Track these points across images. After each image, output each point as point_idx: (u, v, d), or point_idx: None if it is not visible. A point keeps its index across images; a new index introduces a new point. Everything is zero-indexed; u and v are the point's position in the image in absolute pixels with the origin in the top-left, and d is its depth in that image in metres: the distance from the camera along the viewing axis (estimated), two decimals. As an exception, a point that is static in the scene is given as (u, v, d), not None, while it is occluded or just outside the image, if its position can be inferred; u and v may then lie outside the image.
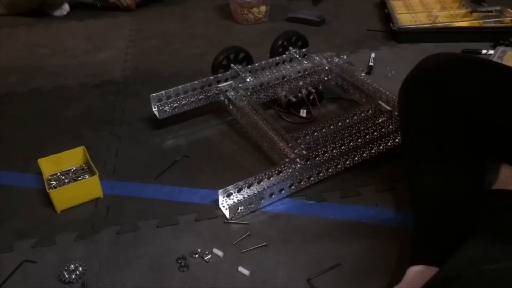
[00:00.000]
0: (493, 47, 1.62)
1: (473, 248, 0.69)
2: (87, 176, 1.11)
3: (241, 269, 0.88)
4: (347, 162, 1.08)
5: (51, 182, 1.10)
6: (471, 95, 0.82)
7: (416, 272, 0.77)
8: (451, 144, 0.83)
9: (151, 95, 1.26)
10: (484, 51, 1.60)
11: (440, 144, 0.84)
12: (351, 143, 1.09)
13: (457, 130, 0.83)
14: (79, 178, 1.10)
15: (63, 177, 1.11)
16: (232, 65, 1.38)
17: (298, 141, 1.10)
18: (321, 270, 0.86)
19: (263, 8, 1.96)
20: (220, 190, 0.98)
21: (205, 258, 0.90)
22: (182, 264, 0.89)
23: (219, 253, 0.91)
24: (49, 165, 1.10)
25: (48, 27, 2.06)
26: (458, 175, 0.82)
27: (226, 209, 0.99)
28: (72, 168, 1.14)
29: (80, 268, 0.88)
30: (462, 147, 0.82)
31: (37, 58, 1.77)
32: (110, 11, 2.16)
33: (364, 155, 1.10)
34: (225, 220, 0.98)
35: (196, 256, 0.91)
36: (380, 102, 1.22)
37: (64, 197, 1.03)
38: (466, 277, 0.60)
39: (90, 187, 1.05)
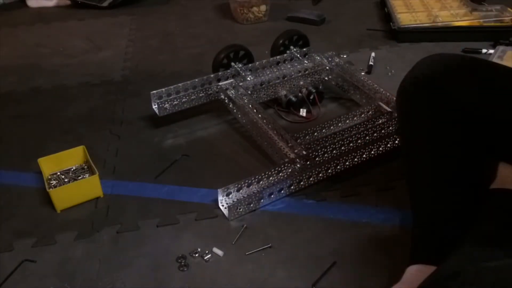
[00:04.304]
0: (493, 47, 1.62)
1: (471, 246, 0.69)
2: (87, 175, 1.11)
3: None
4: (347, 163, 1.08)
5: (51, 182, 1.10)
6: (468, 95, 0.82)
7: (415, 271, 0.77)
8: (449, 145, 0.83)
9: (151, 92, 1.25)
10: (484, 51, 1.60)
11: (438, 145, 0.84)
12: (350, 144, 1.09)
13: (455, 131, 0.82)
14: (79, 178, 1.10)
15: (63, 177, 1.11)
16: (232, 63, 1.38)
17: (298, 141, 1.10)
18: (321, 273, 0.86)
19: (263, 8, 1.96)
20: (220, 189, 0.98)
21: (205, 258, 0.90)
22: (182, 263, 0.89)
23: (219, 252, 0.91)
24: (49, 165, 1.10)
25: (47, 26, 2.06)
26: (456, 176, 0.82)
27: (226, 208, 0.99)
28: (72, 168, 1.14)
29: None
30: (460, 147, 0.82)
31: (37, 57, 1.77)
32: (109, 10, 2.17)
33: (364, 156, 1.10)
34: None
35: (196, 255, 0.91)
36: (380, 103, 1.22)
37: (64, 197, 1.03)
38: (465, 274, 0.60)
39: (90, 187, 1.05)
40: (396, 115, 1.16)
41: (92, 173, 1.09)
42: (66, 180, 1.10)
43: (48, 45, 1.87)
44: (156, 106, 1.25)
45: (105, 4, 2.19)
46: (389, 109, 1.19)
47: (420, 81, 0.86)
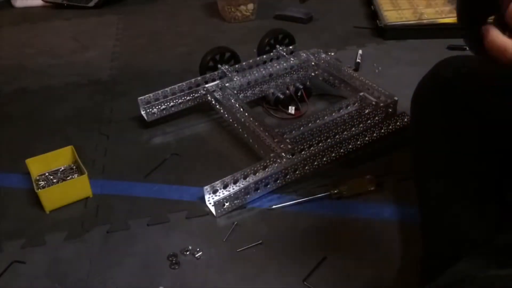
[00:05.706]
0: (478, 43, 1.63)
1: (473, 257, 0.60)
2: (75, 175, 1.10)
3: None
4: (333, 155, 1.09)
5: (40, 182, 1.09)
6: (490, 101, 0.76)
7: None
8: (469, 153, 0.75)
9: (139, 98, 1.25)
10: (468, 47, 1.62)
11: (457, 154, 0.76)
12: (336, 136, 1.10)
13: (474, 137, 0.75)
14: (68, 178, 1.10)
15: (51, 177, 1.10)
16: (219, 65, 1.38)
17: (285, 136, 1.11)
18: (312, 268, 0.87)
19: (250, 6, 1.96)
20: (206, 187, 0.98)
21: (196, 255, 0.90)
22: (173, 261, 0.89)
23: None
24: (37, 165, 1.10)
25: (33, 26, 2.04)
26: (477, 187, 0.73)
27: (212, 205, 0.99)
28: (61, 168, 1.13)
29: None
30: (481, 156, 0.74)
31: (23, 57, 1.75)
32: (96, 10, 2.15)
33: (350, 146, 1.11)
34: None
35: (187, 253, 0.91)
36: (365, 94, 1.23)
37: (53, 197, 1.02)
38: (470, 281, 0.52)
39: (79, 187, 1.04)
40: (382, 105, 1.17)
41: (80, 173, 1.09)
42: (54, 180, 1.09)
43: (35, 45, 1.85)
44: (144, 112, 1.25)
45: (91, 4, 2.18)
46: (374, 99, 1.20)
47: (438, 84, 0.81)
